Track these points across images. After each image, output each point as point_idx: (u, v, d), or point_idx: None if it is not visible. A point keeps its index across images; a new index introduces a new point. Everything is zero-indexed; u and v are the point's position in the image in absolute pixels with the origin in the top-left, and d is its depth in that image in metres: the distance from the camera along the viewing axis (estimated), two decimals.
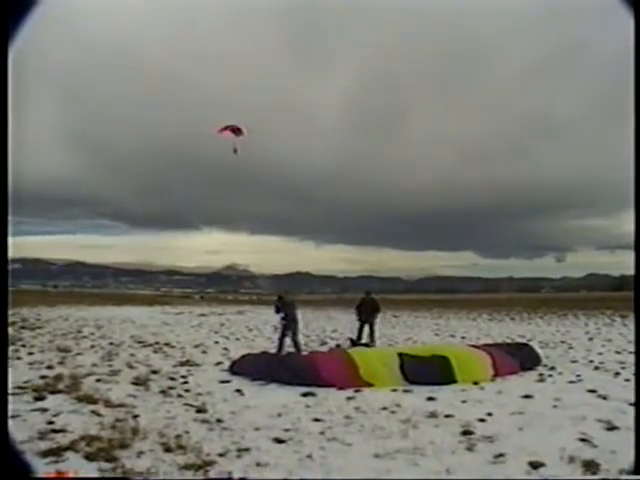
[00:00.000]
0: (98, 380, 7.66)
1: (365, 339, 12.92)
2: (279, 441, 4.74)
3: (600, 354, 11.13)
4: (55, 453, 4.19)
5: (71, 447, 4.35)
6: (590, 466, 4.01)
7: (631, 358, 10.16)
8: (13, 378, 7.10)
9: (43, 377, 7.68)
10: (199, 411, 5.86)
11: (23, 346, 11.60)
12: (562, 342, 13.77)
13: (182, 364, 9.49)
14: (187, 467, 4.00)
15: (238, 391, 7.03)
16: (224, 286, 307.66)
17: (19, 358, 9.78)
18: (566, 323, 22.01)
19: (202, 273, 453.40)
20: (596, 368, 9.16)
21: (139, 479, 3.78)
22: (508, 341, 13.18)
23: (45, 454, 4.15)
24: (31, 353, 10.55)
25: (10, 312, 19.62)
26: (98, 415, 5.52)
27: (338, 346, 12.36)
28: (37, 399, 6.19)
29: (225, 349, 12.04)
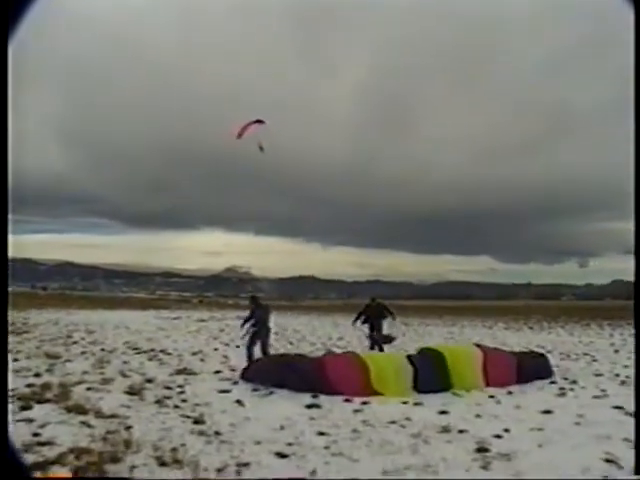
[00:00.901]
0: (89, 389, 7.66)
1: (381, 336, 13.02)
2: (281, 456, 4.73)
3: (626, 367, 11.03)
4: (41, 467, 4.14)
5: (58, 461, 4.31)
6: None
7: None
8: None
9: (30, 385, 7.65)
10: (196, 422, 5.85)
11: (9, 352, 11.64)
12: (585, 354, 13.67)
13: (179, 372, 9.50)
14: None
15: (238, 402, 7.03)
16: (224, 290, 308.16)
17: None
18: (589, 333, 21.86)
19: (201, 276, 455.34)
20: (622, 383, 9.07)
21: (139, 479, 3.77)
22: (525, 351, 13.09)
23: (30, 468, 4.10)
24: (17, 360, 10.56)
25: None
26: (88, 426, 5.51)
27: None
28: (23, 409, 6.12)
29: (225, 357, 12.05)
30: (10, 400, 6.55)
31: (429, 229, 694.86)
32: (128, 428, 5.47)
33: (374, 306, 13.40)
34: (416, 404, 7.03)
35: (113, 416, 6.01)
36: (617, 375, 9.89)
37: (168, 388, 7.92)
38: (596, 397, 7.72)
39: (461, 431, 5.64)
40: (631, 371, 10.37)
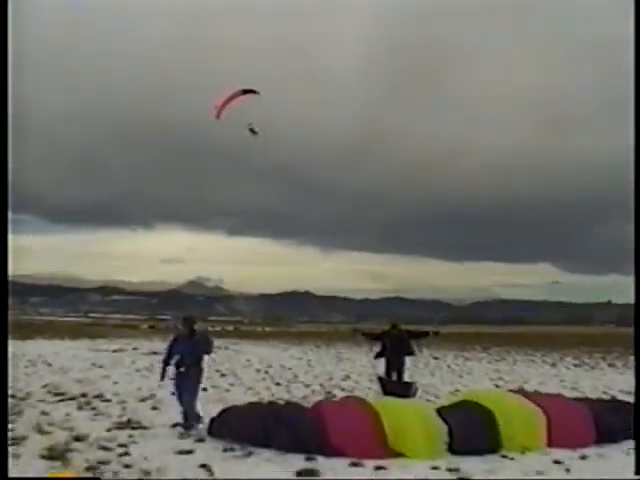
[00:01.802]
0: None
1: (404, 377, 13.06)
2: None
3: None
4: None
5: None
6: None
7: None
8: None
9: None
10: None
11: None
12: None
13: (121, 426, 9.47)
14: None
15: (204, 466, 7.00)
16: (186, 310, 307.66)
17: None
18: None
19: (154, 291, 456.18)
20: None
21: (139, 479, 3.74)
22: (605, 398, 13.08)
23: None
24: None
25: None
26: None
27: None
28: None
29: None
30: None
31: (466, 228, 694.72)
32: None
33: (395, 335, 13.27)
34: (451, 470, 7.00)
35: None
36: None
37: (105, 449, 7.87)
38: None
39: None
40: None
